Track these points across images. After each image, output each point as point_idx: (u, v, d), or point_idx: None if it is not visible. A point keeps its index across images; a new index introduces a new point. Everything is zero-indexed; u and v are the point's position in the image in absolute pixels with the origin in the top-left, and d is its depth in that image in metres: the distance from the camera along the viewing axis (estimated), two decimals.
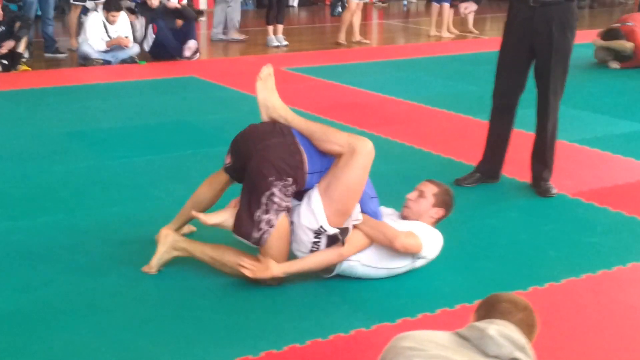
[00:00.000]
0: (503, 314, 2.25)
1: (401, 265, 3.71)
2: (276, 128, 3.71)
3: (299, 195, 3.69)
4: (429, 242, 3.70)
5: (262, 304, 3.55)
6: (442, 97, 8.08)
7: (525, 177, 5.23)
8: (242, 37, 12.45)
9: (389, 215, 3.89)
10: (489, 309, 2.30)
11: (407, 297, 3.61)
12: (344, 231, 3.57)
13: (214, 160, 5.74)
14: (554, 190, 5.00)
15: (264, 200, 3.56)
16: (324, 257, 3.61)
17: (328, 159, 3.61)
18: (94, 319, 3.42)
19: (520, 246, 4.23)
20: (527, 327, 2.26)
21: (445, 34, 13.21)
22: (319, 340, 3.22)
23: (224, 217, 3.73)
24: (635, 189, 5.18)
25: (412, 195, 3.86)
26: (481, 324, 2.22)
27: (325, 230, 3.55)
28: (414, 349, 2.16)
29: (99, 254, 4.09)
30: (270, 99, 3.76)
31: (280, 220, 3.60)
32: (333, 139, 3.56)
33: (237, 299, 3.60)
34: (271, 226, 3.58)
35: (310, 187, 3.65)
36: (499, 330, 2.17)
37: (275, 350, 3.14)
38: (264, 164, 3.57)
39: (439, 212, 3.85)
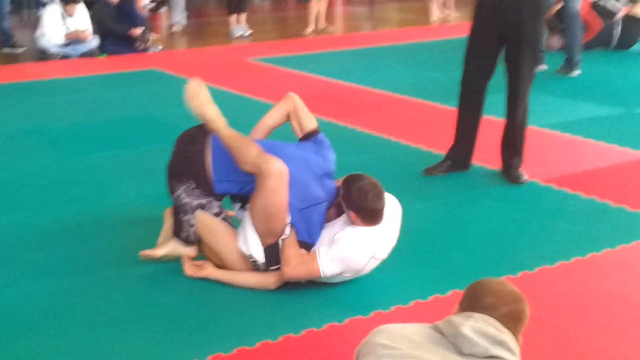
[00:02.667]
0: (487, 309, 2.19)
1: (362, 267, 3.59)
2: (196, 135, 3.82)
3: (242, 199, 3.76)
4: (346, 255, 3.47)
5: (233, 300, 3.53)
6: (409, 85, 8.10)
7: (496, 164, 5.26)
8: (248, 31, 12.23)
9: (336, 223, 3.65)
10: (472, 302, 2.24)
11: (380, 289, 3.62)
12: (272, 251, 3.55)
13: None
14: (525, 177, 5.03)
15: (176, 202, 3.74)
16: (257, 280, 3.62)
17: (241, 172, 3.63)
18: (58, 320, 3.38)
19: (492, 235, 4.25)
20: (513, 320, 2.20)
21: (453, 13, 13.40)
22: (292, 336, 3.21)
23: (170, 247, 3.83)
24: (607, 173, 5.22)
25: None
26: (457, 319, 2.18)
27: (255, 260, 3.59)
28: (386, 346, 2.14)
29: (62, 253, 4.05)
30: (203, 114, 3.77)
31: (200, 219, 3.69)
32: (244, 158, 3.55)
33: (207, 296, 3.58)
34: (191, 225, 3.71)
35: (226, 192, 3.76)
36: (474, 327, 2.14)
37: (247, 347, 3.13)
38: (169, 169, 3.82)
39: (353, 215, 3.52)
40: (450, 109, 6.90)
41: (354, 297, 3.55)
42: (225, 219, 3.73)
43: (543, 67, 8.78)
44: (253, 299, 3.54)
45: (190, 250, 3.79)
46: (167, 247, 3.83)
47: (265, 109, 6.11)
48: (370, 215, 3.50)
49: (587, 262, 3.90)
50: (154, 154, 5.77)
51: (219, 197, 3.78)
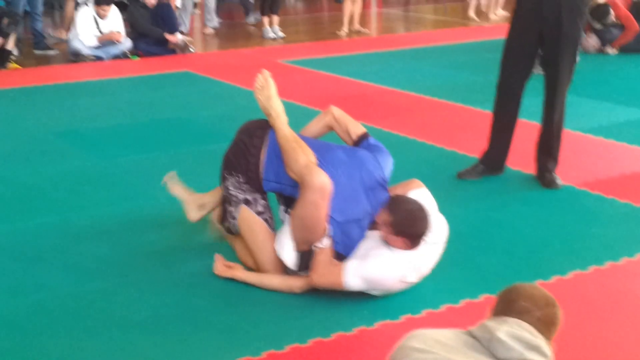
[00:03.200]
0: (520, 313, 2.22)
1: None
2: (257, 128, 3.85)
3: (287, 201, 3.79)
4: (374, 277, 3.45)
5: (263, 303, 3.58)
6: (444, 88, 8.11)
7: (530, 168, 5.26)
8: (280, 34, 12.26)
9: (372, 237, 3.64)
10: (506, 307, 2.26)
11: (411, 293, 3.64)
12: (305, 257, 3.58)
13: (209, 157, 5.79)
14: (560, 182, 5.03)
15: (224, 192, 3.86)
16: (284, 283, 3.66)
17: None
18: (89, 321, 3.45)
19: (526, 239, 4.26)
20: (546, 325, 2.23)
21: (493, 15, 13.41)
22: (322, 340, 3.25)
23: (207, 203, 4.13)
24: None
25: (378, 219, 3.57)
26: (492, 324, 2.20)
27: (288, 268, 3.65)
28: (421, 350, 2.17)
29: (93, 256, 4.12)
30: (269, 107, 3.80)
31: (243, 214, 3.75)
32: (292, 164, 3.58)
33: (237, 299, 3.63)
34: (233, 218, 3.79)
35: (274, 190, 3.80)
36: (509, 332, 2.16)
37: (276, 350, 3.17)
38: (224, 157, 3.90)
39: (401, 240, 3.47)
40: (485, 112, 6.91)
41: (384, 301, 3.57)
42: (267, 220, 3.77)
43: None
44: (283, 302, 3.58)
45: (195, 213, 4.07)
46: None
47: (298, 111, 6.18)
48: (417, 240, 3.49)
49: (620, 266, 3.90)
50: (186, 156, 5.85)
51: (266, 195, 3.82)
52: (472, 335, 2.23)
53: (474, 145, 5.82)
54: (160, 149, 6.11)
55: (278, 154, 3.71)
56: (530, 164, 5.25)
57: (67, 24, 11.27)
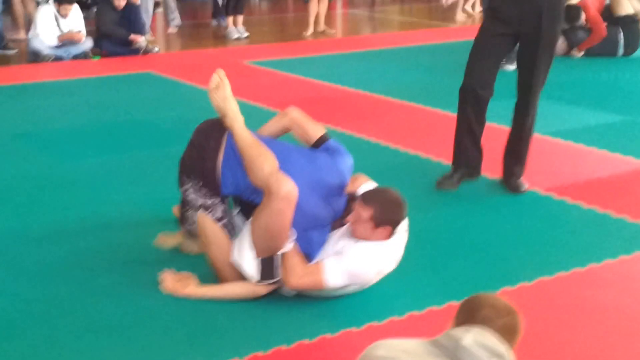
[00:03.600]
0: (484, 321, 2.25)
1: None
2: (213, 130, 3.77)
3: (244, 204, 3.79)
4: (356, 270, 3.47)
5: (223, 310, 3.55)
6: (409, 90, 8.13)
7: (496, 172, 5.27)
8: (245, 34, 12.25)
9: (341, 235, 3.64)
10: (468, 316, 2.29)
11: (375, 300, 3.63)
12: (268, 264, 3.53)
13: (172, 159, 5.72)
14: (525, 187, 5.05)
15: (183, 195, 3.80)
16: (247, 290, 3.61)
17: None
18: (48, 326, 3.40)
19: (491, 246, 4.27)
20: (509, 333, 2.26)
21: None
22: (283, 348, 3.23)
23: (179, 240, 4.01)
24: (609, 183, 5.25)
25: (350, 217, 3.56)
26: (457, 333, 2.22)
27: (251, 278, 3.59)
28: (387, 358, 2.18)
29: (54, 260, 4.06)
30: (224, 108, 3.72)
31: (201, 221, 3.68)
32: (256, 171, 3.51)
33: (197, 305, 3.59)
34: (193, 222, 3.74)
35: (233, 195, 3.76)
36: (475, 340, 2.18)
37: (237, 358, 3.14)
38: (181, 161, 3.82)
39: (385, 230, 3.50)
40: (451, 115, 6.93)
41: (347, 308, 3.56)
42: (226, 225, 3.71)
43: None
44: (244, 309, 3.55)
45: (195, 246, 3.86)
46: (177, 239, 4.01)
47: (260, 113, 6.15)
48: (397, 227, 3.53)
49: (586, 273, 3.92)
50: (148, 159, 5.81)
51: (225, 199, 3.77)
52: (437, 344, 2.24)
53: (439, 148, 5.84)
54: (121, 151, 6.05)
55: (237, 158, 3.64)
56: (496, 168, 5.26)
57: (22, 22, 11.16)
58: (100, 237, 4.35)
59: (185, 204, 3.81)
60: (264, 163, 3.51)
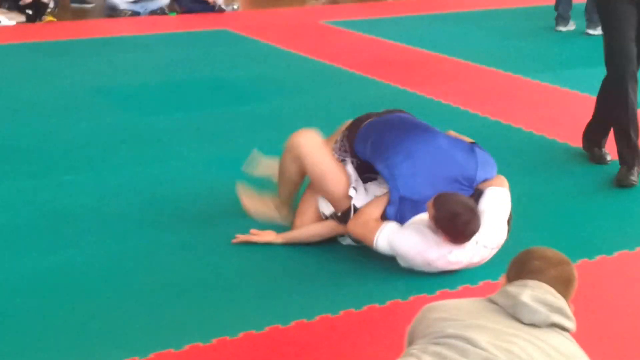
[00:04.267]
0: (534, 272, 2.21)
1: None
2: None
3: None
4: (398, 246, 3.47)
5: (294, 270, 3.59)
6: (490, 55, 8.00)
7: (577, 142, 5.16)
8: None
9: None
10: (519, 269, 2.25)
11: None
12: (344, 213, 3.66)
13: (244, 118, 5.82)
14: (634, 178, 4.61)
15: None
16: (328, 228, 3.74)
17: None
18: (119, 282, 3.47)
19: (570, 216, 4.20)
20: (563, 283, 2.21)
21: None
22: (352, 311, 3.25)
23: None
24: None
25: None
26: (513, 289, 2.18)
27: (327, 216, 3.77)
28: (446, 319, 2.16)
29: (124, 215, 4.14)
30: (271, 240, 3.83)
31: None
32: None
33: (265, 265, 3.64)
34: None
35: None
36: (533, 295, 2.14)
37: (306, 320, 3.17)
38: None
39: (444, 235, 3.42)
40: (532, 81, 6.83)
41: (418, 275, 3.53)
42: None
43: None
44: (315, 270, 3.59)
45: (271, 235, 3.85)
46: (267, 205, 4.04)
47: (337, 73, 6.11)
48: (460, 239, 3.41)
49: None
50: (221, 117, 5.86)
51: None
52: (493, 301, 2.21)
53: (518, 115, 5.77)
54: (195, 108, 6.11)
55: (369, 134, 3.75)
56: (578, 137, 5.15)
57: None
58: (169, 194, 4.41)
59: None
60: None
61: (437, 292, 3.39)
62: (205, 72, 7.32)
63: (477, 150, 3.73)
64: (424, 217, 3.51)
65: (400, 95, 6.44)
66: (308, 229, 3.77)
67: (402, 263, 3.54)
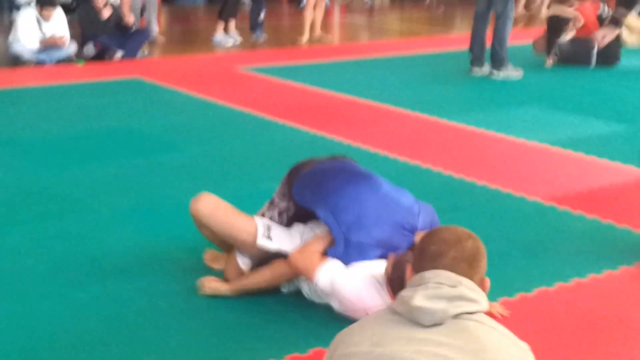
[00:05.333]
0: (433, 259, 2.17)
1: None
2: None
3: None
4: (341, 288, 3.48)
5: (215, 325, 3.63)
6: (409, 98, 8.22)
7: (496, 182, 5.34)
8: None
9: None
10: (420, 257, 2.22)
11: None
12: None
13: (159, 169, 5.82)
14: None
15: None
16: (270, 274, 3.77)
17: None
18: (24, 343, 3.44)
19: (490, 255, 4.26)
20: (465, 261, 2.18)
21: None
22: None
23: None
24: (611, 193, 5.34)
25: None
26: (407, 293, 2.14)
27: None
28: (350, 355, 2.11)
29: (33, 274, 4.10)
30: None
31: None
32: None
33: (185, 320, 3.67)
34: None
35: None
36: (426, 295, 2.10)
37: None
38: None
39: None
40: (450, 124, 7.04)
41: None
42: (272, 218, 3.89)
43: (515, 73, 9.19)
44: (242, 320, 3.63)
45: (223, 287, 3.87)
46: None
47: (255, 121, 6.22)
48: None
49: (587, 284, 3.99)
50: (135, 168, 5.85)
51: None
52: (394, 311, 2.17)
53: (437, 158, 5.92)
54: (107, 160, 6.08)
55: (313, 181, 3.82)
56: (498, 178, 5.32)
57: None
58: (82, 250, 4.38)
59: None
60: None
61: None
62: (117, 122, 7.31)
63: (419, 201, 3.86)
64: (374, 266, 3.55)
65: (319, 141, 6.55)
66: (255, 276, 3.78)
67: (335, 306, 3.55)
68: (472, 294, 2.14)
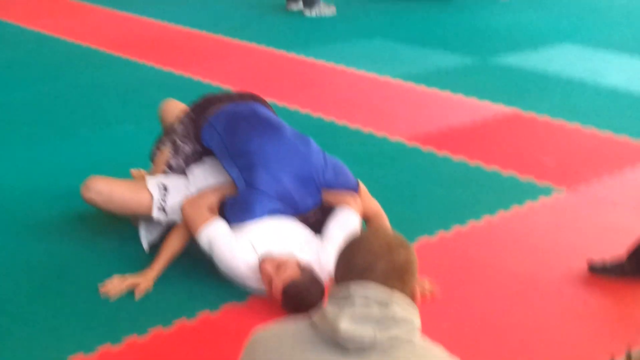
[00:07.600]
0: (361, 272, 1.92)
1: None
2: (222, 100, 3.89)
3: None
4: (218, 249, 3.33)
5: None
6: (250, 30, 7.90)
7: (359, 123, 5.18)
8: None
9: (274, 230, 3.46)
10: (345, 268, 1.96)
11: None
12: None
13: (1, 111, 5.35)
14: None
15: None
16: (176, 240, 3.52)
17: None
18: None
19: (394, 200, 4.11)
20: (396, 274, 1.92)
21: None
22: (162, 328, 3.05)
23: None
24: (473, 131, 5.25)
25: None
26: (331, 310, 1.91)
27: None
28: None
29: None
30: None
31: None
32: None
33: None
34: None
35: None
36: (353, 316, 1.87)
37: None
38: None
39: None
40: (298, 57, 6.79)
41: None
42: (172, 167, 3.74)
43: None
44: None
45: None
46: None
47: (98, 56, 5.79)
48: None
49: (468, 231, 3.89)
50: None
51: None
52: (317, 328, 1.93)
53: (293, 95, 5.73)
54: None
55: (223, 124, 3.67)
56: (362, 120, 5.13)
57: None
58: None
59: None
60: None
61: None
62: None
63: (325, 153, 3.68)
64: (259, 232, 3.37)
65: (164, 76, 6.21)
66: (166, 250, 3.47)
67: (219, 266, 3.36)
68: (404, 313, 1.90)
